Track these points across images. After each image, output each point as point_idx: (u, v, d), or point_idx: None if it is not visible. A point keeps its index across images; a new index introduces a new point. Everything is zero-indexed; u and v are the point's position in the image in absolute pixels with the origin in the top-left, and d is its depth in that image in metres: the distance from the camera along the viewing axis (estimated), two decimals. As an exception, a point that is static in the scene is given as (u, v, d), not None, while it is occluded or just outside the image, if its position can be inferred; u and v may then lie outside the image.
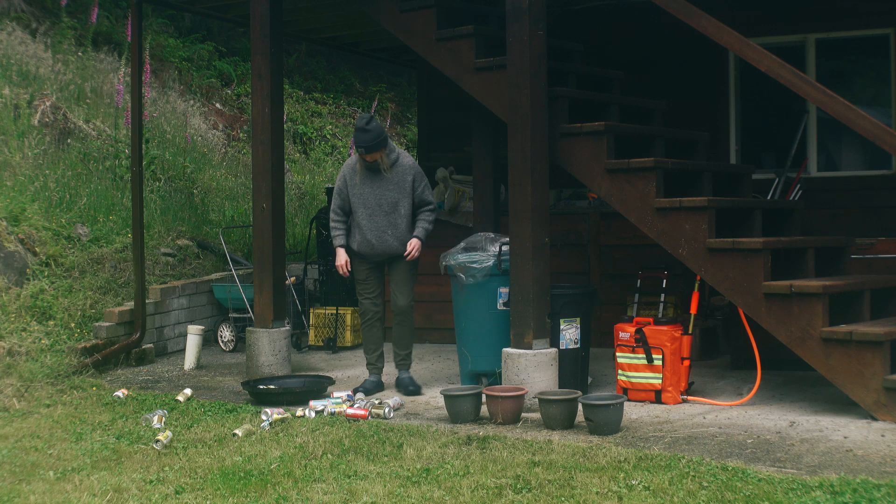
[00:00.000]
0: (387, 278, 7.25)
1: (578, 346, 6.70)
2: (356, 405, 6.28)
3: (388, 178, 6.96)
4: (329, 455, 5.26)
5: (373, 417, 6.18)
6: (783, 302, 6.03)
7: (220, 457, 5.28)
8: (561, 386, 6.34)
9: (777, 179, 8.62)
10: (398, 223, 6.98)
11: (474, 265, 6.79)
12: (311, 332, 9.34)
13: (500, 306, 6.78)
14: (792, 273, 6.40)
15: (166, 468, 5.09)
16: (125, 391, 7.07)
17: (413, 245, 6.98)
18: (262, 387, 7.02)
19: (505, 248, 6.75)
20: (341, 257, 7.11)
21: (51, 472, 5.10)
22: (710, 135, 7.76)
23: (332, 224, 7.15)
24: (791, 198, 8.38)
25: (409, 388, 7.00)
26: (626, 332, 6.53)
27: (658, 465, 4.84)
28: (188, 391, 6.97)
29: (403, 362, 7.15)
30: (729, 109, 9.10)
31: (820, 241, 6.81)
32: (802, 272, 6.44)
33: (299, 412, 6.25)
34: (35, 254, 8.52)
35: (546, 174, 6.55)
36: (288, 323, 8.00)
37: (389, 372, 7.47)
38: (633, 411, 6.16)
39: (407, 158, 7.08)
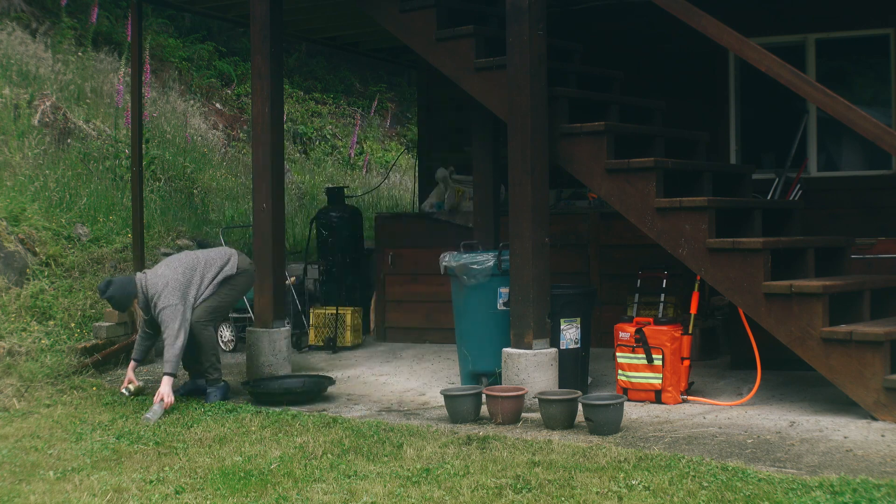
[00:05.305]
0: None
1: (578, 346, 6.70)
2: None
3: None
4: (329, 455, 5.26)
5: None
6: (783, 302, 6.02)
7: (220, 457, 5.28)
8: (561, 386, 6.33)
9: (777, 179, 8.61)
10: None
11: (475, 265, 6.79)
12: (311, 332, 9.33)
13: (500, 306, 6.78)
14: (792, 273, 6.40)
15: (166, 468, 5.09)
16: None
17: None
18: (262, 387, 7.02)
19: (505, 248, 6.75)
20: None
21: (51, 472, 5.10)
22: (710, 135, 7.75)
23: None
24: (791, 198, 8.38)
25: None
26: (626, 332, 6.53)
27: (658, 465, 4.84)
28: (188, 391, 6.97)
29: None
30: (729, 109, 9.10)
31: (820, 241, 6.80)
32: (802, 272, 6.43)
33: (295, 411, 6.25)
34: (35, 254, 8.52)
35: (546, 174, 6.55)
36: (288, 323, 7.99)
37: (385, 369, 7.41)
38: (633, 411, 6.16)
39: (153, 285, 6.72)
